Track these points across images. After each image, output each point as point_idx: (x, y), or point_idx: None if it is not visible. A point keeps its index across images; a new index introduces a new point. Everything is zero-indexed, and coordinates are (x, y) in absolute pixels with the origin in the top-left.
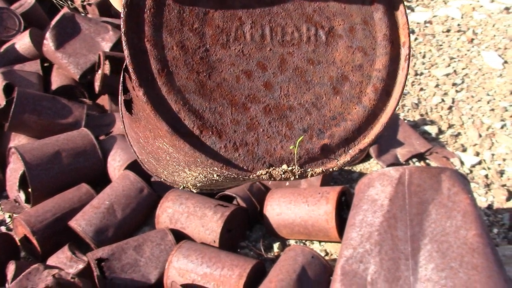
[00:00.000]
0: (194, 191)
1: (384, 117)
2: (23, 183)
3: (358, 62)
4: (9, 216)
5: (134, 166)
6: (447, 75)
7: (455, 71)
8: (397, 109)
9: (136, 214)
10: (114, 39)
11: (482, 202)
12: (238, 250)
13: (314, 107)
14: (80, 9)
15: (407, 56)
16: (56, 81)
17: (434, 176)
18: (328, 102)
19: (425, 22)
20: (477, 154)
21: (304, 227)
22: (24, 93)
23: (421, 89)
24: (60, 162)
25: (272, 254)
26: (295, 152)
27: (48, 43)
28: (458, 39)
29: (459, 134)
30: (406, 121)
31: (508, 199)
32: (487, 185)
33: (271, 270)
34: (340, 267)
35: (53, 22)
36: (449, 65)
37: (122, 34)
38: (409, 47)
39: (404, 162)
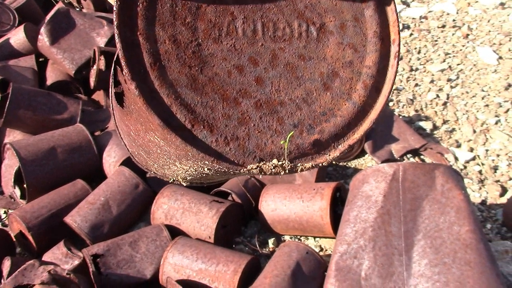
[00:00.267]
0: (184, 184)
1: (373, 113)
2: (18, 179)
3: (349, 58)
4: (5, 212)
5: (130, 162)
6: (442, 70)
7: (450, 66)
8: (391, 102)
9: (131, 210)
10: (109, 34)
11: (476, 198)
12: (233, 246)
13: (304, 103)
14: (75, 4)
15: (397, 53)
16: (51, 77)
17: (428, 173)
18: (318, 98)
19: (421, 17)
20: (471, 150)
21: (299, 223)
22: (19, 88)
23: (416, 85)
24: (56, 158)
25: (267, 249)
26: (286, 147)
27: (43, 38)
28: (453, 34)
29: (453, 130)
30: (401, 117)
31: (501, 195)
32: (481, 181)
33: (266, 265)
34: (334, 262)
35: (48, 17)
36: (444, 61)
37: (115, 27)
38: (399, 44)
39: (398, 158)
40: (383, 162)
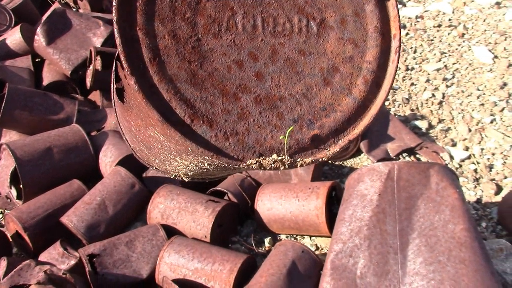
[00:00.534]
0: (186, 179)
1: (373, 108)
2: (14, 180)
3: (349, 53)
4: (1, 213)
5: (126, 162)
6: (438, 70)
7: (445, 66)
8: (387, 101)
9: (127, 209)
10: (106, 34)
11: (471, 196)
12: (229, 245)
13: (304, 98)
14: (72, 4)
15: (398, 49)
16: (47, 77)
17: (422, 171)
18: (318, 93)
19: (417, 17)
20: (467, 148)
21: (295, 222)
22: (15, 89)
23: (412, 84)
24: (52, 158)
25: (263, 249)
26: (285, 142)
27: (39, 38)
28: (449, 34)
29: (449, 129)
30: (396, 116)
31: (496, 193)
32: (476, 180)
33: (262, 264)
34: (330, 261)
35: (44, 17)
36: (440, 60)
37: (114, 22)
38: (400, 39)
39: (394, 157)
40: (378, 161)
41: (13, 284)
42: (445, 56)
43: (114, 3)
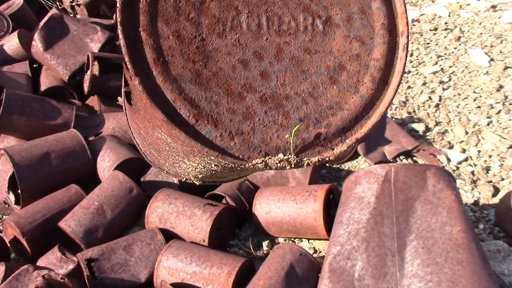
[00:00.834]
0: (197, 183)
1: (381, 106)
2: (12, 185)
3: (356, 51)
4: None
5: (124, 167)
6: (434, 73)
7: (442, 69)
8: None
9: (125, 214)
10: (103, 39)
11: (469, 198)
12: (228, 248)
13: (310, 97)
14: (69, 10)
15: (406, 46)
16: (45, 82)
17: (419, 173)
18: (325, 92)
19: (413, 20)
20: (464, 151)
21: (293, 225)
22: (13, 94)
23: (409, 87)
24: (50, 163)
25: (262, 252)
26: (291, 141)
27: (37, 44)
28: (445, 37)
29: (446, 131)
30: (393, 119)
31: (494, 195)
32: (474, 182)
33: (260, 268)
34: (327, 264)
35: (42, 23)
36: (436, 63)
37: (118, 23)
38: (408, 36)
39: (391, 160)
40: (376, 163)
41: None
42: (442, 59)
43: (117, 5)
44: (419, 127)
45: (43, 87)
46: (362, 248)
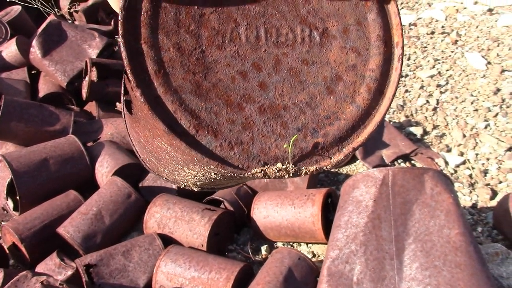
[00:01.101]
0: (195, 189)
1: (377, 116)
2: (11, 191)
3: (352, 62)
4: None
5: (122, 172)
6: (432, 76)
7: (439, 72)
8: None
9: (124, 219)
10: (101, 45)
11: (467, 202)
12: (226, 253)
13: (308, 107)
14: (67, 16)
15: (400, 56)
16: (43, 89)
17: (417, 177)
18: (322, 102)
19: (410, 24)
20: (461, 154)
21: (291, 229)
22: (11, 101)
23: (406, 91)
24: (48, 169)
25: (260, 256)
26: (290, 151)
27: (35, 50)
28: (442, 40)
29: (443, 134)
30: (391, 123)
31: (491, 198)
32: (471, 185)
33: (258, 272)
34: (326, 268)
35: (40, 29)
36: (433, 67)
37: (120, 36)
38: (402, 47)
39: (389, 163)
40: (374, 167)
41: None
42: (439, 63)
43: (120, 18)
44: (417, 131)
45: (41, 93)
46: (360, 252)
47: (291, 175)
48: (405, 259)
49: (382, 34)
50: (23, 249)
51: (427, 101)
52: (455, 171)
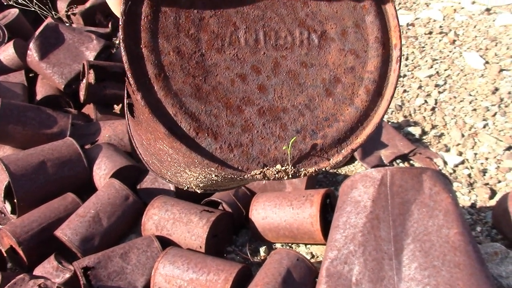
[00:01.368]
0: (198, 191)
1: (376, 117)
2: (8, 194)
3: (350, 64)
4: None
5: (120, 174)
6: (430, 76)
7: (437, 72)
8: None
9: (122, 222)
10: (98, 48)
11: (466, 201)
12: (225, 255)
13: (307, 109)
14: (65, 19)
15: (399, 58)
16: (40, 92)
17: (415, 177)
18: (321, 104)
19: (408, 24)
20: (460, 153)
21: (290, 230)
22: (8, 104)
23: (405, 91)
24: (45, 172)
25: (259, 258)
26: (289, 152)
27: (32, 53)
28: (440, 40)
29: (442, 134)
30: (389, 123)
31: (490, 198)
32: (470, 184)
33: (257, 273)
34: (325, 268)
35: (37, 32)
36: (431, 67)
37: (121, 40)
38: (401, 49)
39: (388, 164)
40: (372, 167)
41: None
42: (437, 63)
43: (120, 23)
44: (415, 131)
45: (39, 96)
46: (359, 252)
47: (290, 176)
48: (404, 259)
49: (380, 36)
50: (20, 252)
51: (426, 101)
52: (454, 171)
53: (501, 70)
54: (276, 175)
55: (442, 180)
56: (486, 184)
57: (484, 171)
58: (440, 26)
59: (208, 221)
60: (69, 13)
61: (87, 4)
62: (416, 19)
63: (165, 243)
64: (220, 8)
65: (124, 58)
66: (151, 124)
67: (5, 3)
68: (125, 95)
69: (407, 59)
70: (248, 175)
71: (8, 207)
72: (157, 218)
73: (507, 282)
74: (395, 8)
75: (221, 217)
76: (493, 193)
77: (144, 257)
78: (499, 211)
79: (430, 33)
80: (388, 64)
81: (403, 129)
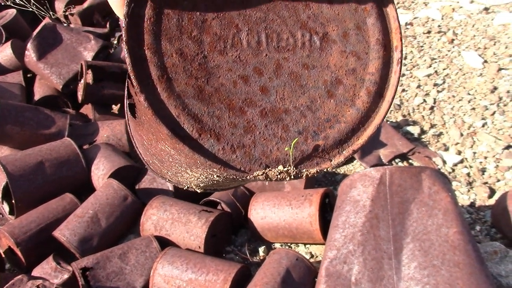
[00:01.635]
0: (198, 191)
1: (377, 119)
2: (6, 195)
3: (352, 66)
4: None
5: (118, 175)
6: (429, 75)
7: (436, 71)
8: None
9: (120, 222)
10: (96, 48)
11: (465, 200)
12: (224, 255)
13: (309, 110)
14: (62, 19)
15: (399, 60)
16: (39, 92)
17: (414, 176)
18: (322, 105)
19: (406, 24)
20: (459, 153)
21: (289, 230)
22: (6, 104)
23: (403, 90)
24: (44, 172)
25: (258, 258)
26: (291, 154)
27: (30, 54)
28: (438, 40)
29: (441, 133)
30: (388, 123)
31: (490, 197)
32: (469, 183)
33: (256, 273)
34: (324, 268)
35: (35, 33)
36: (430, 66)
37: (124, 43)
38: (401, 51)
39: (387, 163)
40: (371, 167)
41: None
42: (435, 62)
43: (123, 25)
44: (414, 130)
45: (37, 97)
46: (358, 252)
47: (292, 177)
48: (403, 258)
49: (381, 38)
50: (19, 253)
51: (424, 100)
52: (453, 170)
53: (500, 69)
54: (278, 176)
55: (441, 179)
56: (485, 183)
57: (483, 170)
58: (439, 25)
59: (207, 221)
60: (67, 13)
61: (85, 4)
62: (415, 18)
63: (164, 243)
64: (222, 10)
65: (128, 60)
66: (153, 125)
67: (2, 4)
68: (126, 95)
69: (405, 58)
70: (251, 176)
71: (6, 207)
72: (156, 218)
73: (506, 281)
74: (396, 10)
75: (220, 217)
76: (492, 192)
77: (143, 257)
78: (498, 210)
79: (429, 32)
80: (389, 66)
81: (402, 128)
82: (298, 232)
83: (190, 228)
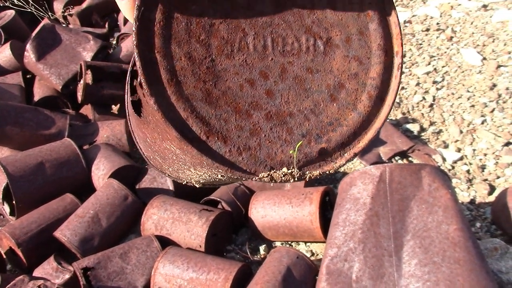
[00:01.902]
0: (197, 186)
1: (377, 122)
2: (7, 196)
3: (354, 70)
4: None
5: (118, 174)
6: (428, 73)
7: (435, 69)
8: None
9: (121, 222)
10: (95, 48)
11: (465, 197)
12: (225, 254)
13: (312, 114)
14: (61, 20)
15: (400, 65)
16: (38, 93)
17: (414, 173)
18: (325, 109)
19: (405, 21)
20: (459, 150)
21: (289, 228)
22: (6, 105)
23: (402, 88)
24: (44, 173)
25: (259, 256)
26: (295, 156)
27: (29, 54)
28: (437, 37)
29: (440, 131)
30: (388, 120)
31: (489, 193)
32: (469, 180)
33: (257, 272)
34: (325, 266)
35: (34, 33)
36: (429, 64)
37: (134, 46)
38: (402, 56)
39: (387, 161)
40: (371, 165)
41: None
42: (434, 60)
43: (134, 28)
44: (414, 128)
45: (36, 97)
46: (359, 250)
47: (296, 179)
48: (404, 255)
49: (383, 44)
50: (20, 253)
51: (424, 98)
52: (453, 167)
53: (499, 66)
54: (283, 178)
55: (441, 176)
56: (485, 180)
57: (482, 167)
58: (437, 23)
59: (208, 220)
60: (65, 14)
61: (84, 5)
62: (413, 16)
63: (165, 242)
64: (229, 14)
65: (138, 63)
66: (160, 126)
67: (1, 5)
68: (127, 91)
69: (404, 56)
70: (256, 177)
71: (6, 208)
72: (157, 218)
73: (507, 277)
74: (397, 16)
75: (221, 216)
76: (492, 189)
77: (143, 257)
78: (498, 206)
79: (427, 30)
80: (390, 71)
81: (401, 126)
82: (299, 230)
83: (191, 227)
